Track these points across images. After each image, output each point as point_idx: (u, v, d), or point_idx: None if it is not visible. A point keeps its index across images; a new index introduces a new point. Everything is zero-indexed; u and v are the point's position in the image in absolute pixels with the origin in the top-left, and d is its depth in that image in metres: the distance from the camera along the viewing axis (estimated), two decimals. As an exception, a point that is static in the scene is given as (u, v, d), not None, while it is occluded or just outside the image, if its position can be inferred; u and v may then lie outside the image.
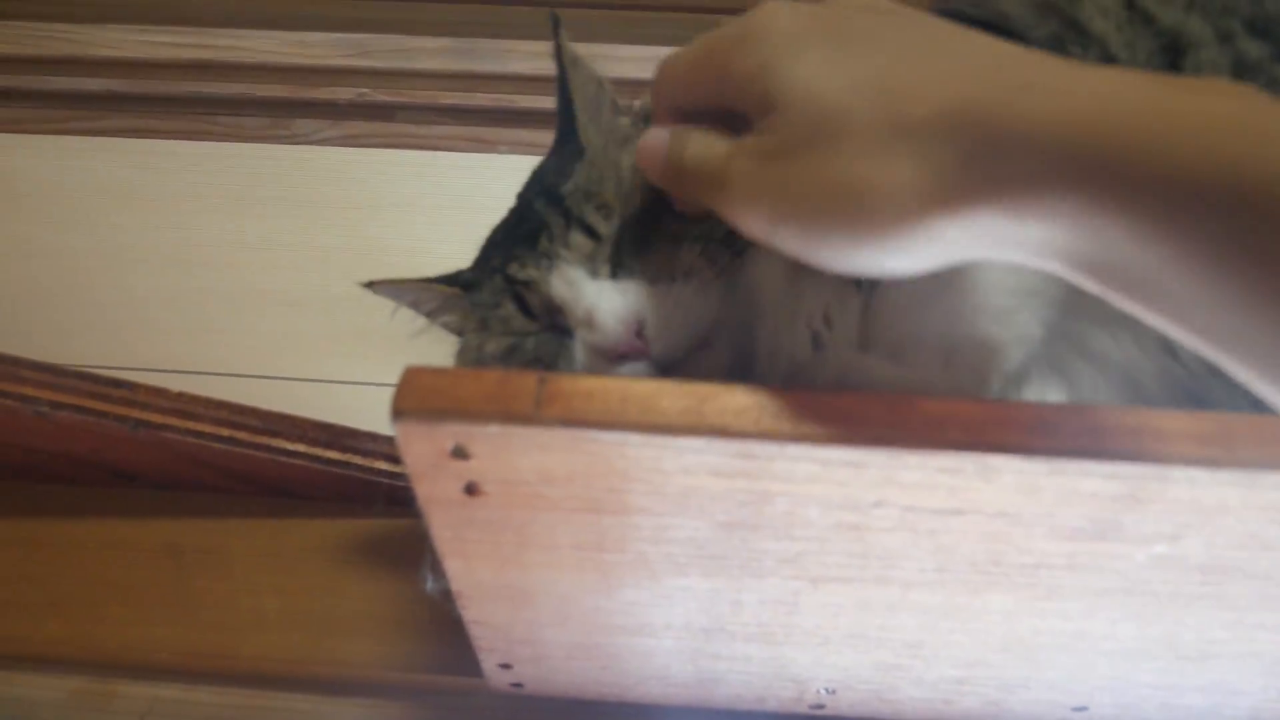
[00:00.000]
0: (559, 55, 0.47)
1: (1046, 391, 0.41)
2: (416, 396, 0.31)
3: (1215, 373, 0.39)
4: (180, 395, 0.54)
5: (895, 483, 0.31)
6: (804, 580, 0.37)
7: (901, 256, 0.28)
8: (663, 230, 0.41)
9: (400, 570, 0.57)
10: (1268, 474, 0.30)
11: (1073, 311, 0.40)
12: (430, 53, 0.92)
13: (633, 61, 0.90)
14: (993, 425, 0.30)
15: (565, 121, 0.47)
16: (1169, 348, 0.39)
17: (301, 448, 0.56)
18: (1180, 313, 0.26)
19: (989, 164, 0.26)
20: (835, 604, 0.39)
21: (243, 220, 1.02)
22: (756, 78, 0.31)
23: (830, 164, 0.28)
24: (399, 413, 0.30)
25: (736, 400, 0.30)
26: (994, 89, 0.27)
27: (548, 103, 0.97)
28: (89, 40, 0.94)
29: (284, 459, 0.55)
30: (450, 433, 0.31)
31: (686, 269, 0.39)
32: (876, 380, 0.35)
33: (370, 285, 0.48)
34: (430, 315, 0.48)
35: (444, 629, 0.53)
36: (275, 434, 0.55)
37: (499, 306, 0.43)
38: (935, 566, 0.36)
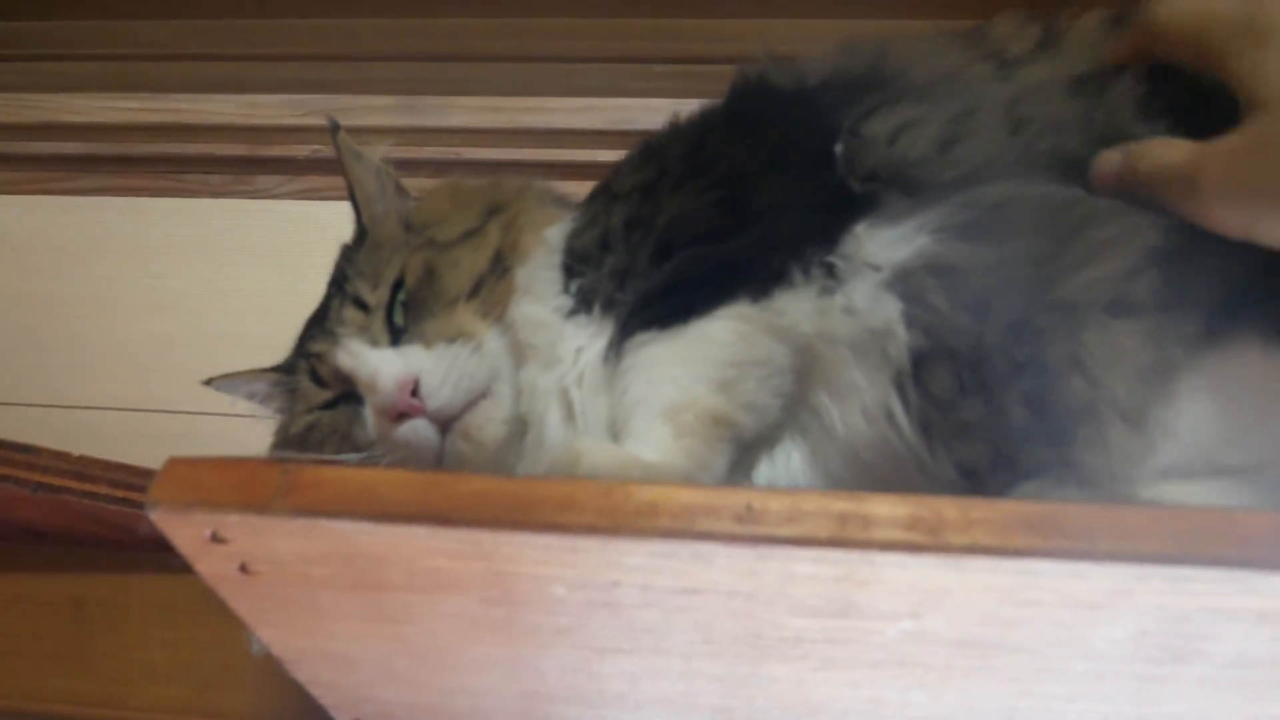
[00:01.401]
0: (340, 155, 0.50)
1: (791, 460, 0.42)
2: (169, 487, 0.33)
3: (931, 445, 0.40)
4: (80, 459, 0.57)
5: (621, 566, 0.32)
6: (587, 650, 0.39)
7: None
8: (440, 296, 0.43)
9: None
10: (975, 559, 0.30)
11: (806, 381, 0.41)
12: (375, 110, 0.95)
13: (565, 113, 0.92)
14: (702, 513, 0.31)
15: (355, 211, 0.50)
16: (891, 416, 0.40)
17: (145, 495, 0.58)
18: None
19: None
20: (627, 672, 0.40)
21: (212, 269, 1.06)
22: (1250, 76, 0.34)
23: None
24: (152, 503, 0.32)
25: (465, 488, 0.32)
26: None
27: (492, 153, 1.00)
28: (61, 107, 0.99)
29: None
30: (200, 521, 0.33)
31: (460, 330, 0.42)
32: (602, 464, 0.36)
33: (208, 382, 0.51)
34: (263, 403, 0.51)
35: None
36: (169, 495, 0.58)
37: (300, 384, 0.45)
38: (702, 639, 0.37)
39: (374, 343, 0.45)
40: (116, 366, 1.14)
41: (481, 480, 0.32)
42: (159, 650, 0.57)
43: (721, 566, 0.32)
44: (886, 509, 0.31)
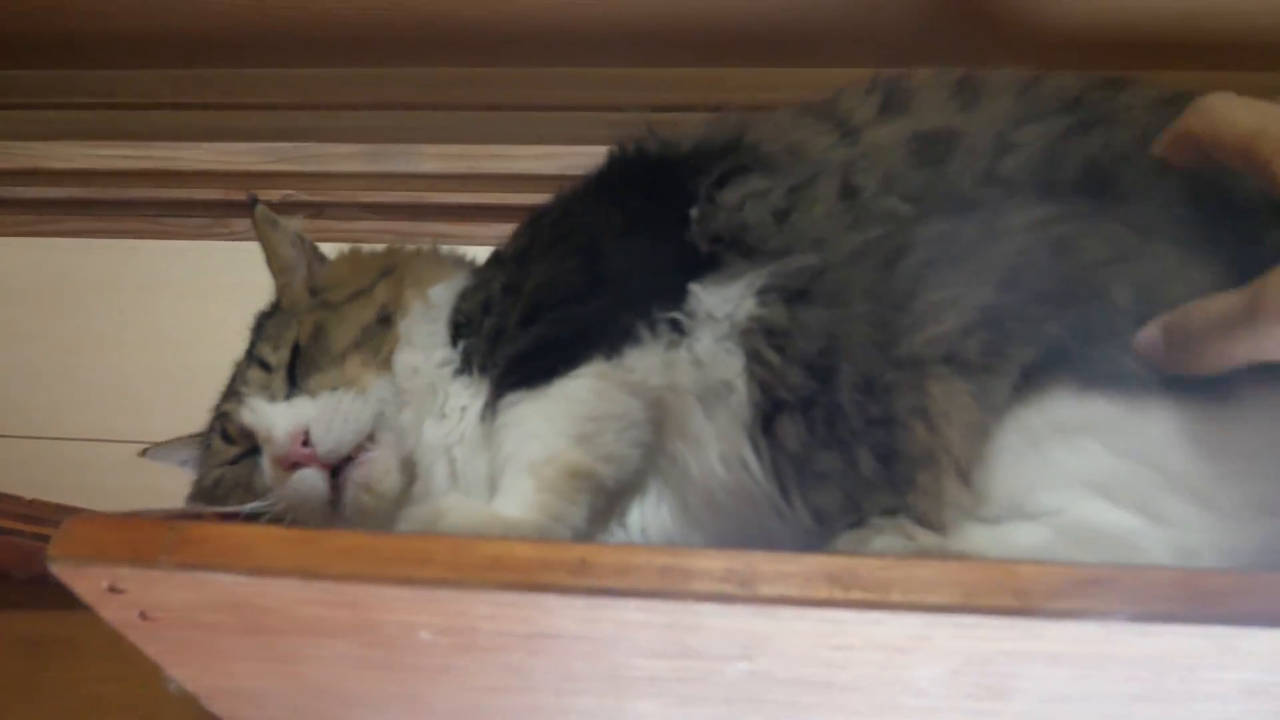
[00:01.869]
0: (256, 227, 0.54)
1: (660, 506, 0.45)
2: (66, 544, 0.36)
3: (785, 492, 0.43)
4: (33, 502, 0.61)
5: (471, 614, 0.35)
6: (469, 689, 0.42)
7: None
8: (328, 351, 0.47)
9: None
10: (784, 609, 0.33)
11: (664, 431, 0.45)
12: (344, 157, 0.99)
13: (527, 159, 0.96)
14: (539, 567, 0.34)
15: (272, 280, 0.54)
16: (745, 465, 0.44)
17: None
18: None
19: None
20: (508, 708, 0.43)
21: (191, 307, 1.10)
22: None
23: None
24: (51, 557, 0.36)
25: (332, 544, 0.35)
26: None
27: (456, 197, 1.04)
28: (47, 155, 1.04)
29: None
30: (96, 574, 0.36)
31: (343, 379, 0.46)
32: (462, 521, 0.40)
33: (144, 453, 0.55)
34: (195, 469, 0.55)
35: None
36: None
37: (212, 442, 0.49)
38: (565, 679, 0.40)
39: (272, 399, 0.48)
40: (103, 399, 1.18)
41: (349, 536, 0.36)
42: (109, 684, 0.60)
43: (561, 615, 0.35)
44: (705, 563, 0.34)
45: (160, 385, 1.17)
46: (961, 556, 0.35)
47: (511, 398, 0.46)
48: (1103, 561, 0.34)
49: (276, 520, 0.46)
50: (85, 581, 0.37)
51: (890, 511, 0.41)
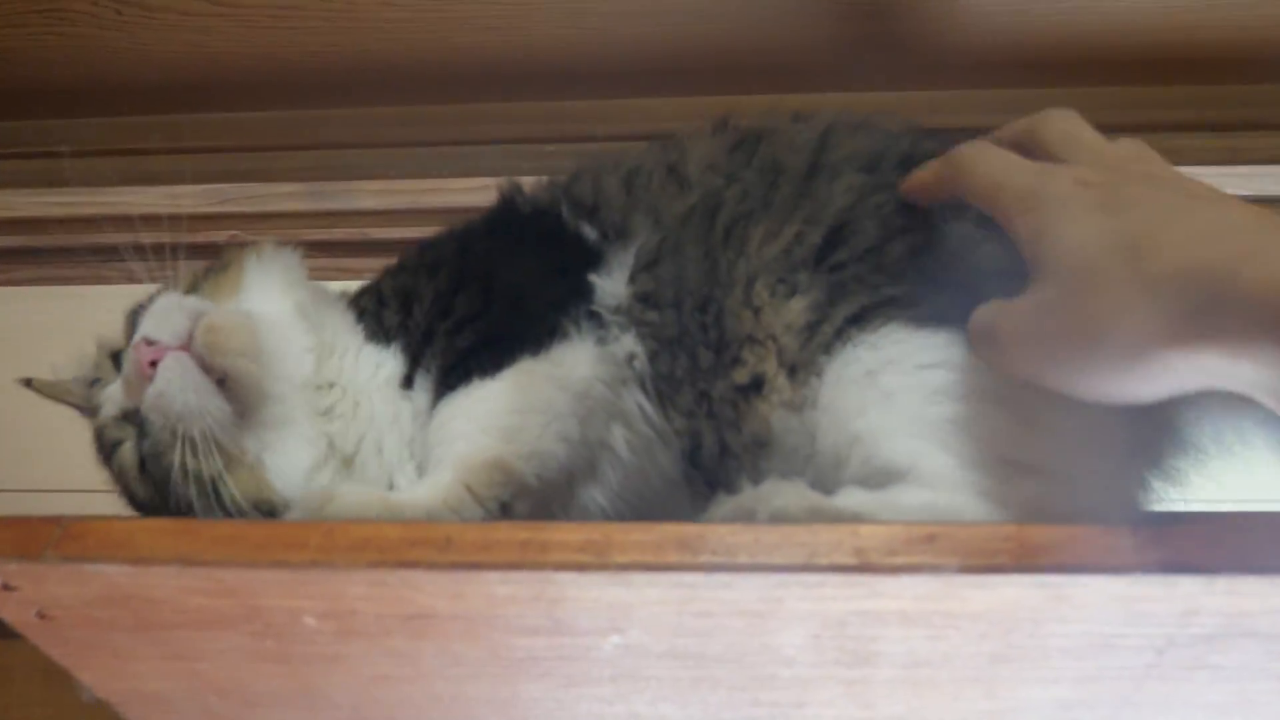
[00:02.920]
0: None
1: (595, 494, 0.47)
2: (-42, 542, 0.38)
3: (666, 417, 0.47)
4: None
5: (350, 595, 0.37)
6: (361, 677, 0.43)
7: (1141, 384, 0.35)
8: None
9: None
10: (636, 574, 0.35)
11: (602, 422, 0.47)
12: (285, 196, 1.01)
13: (463, 192, 0.99)
14: (405, 545, 0.36)
15: None
16: (646, 416, 0.48)
17: None
18: None
19: (1212, 317, 0.32)
20: (405, 697, 0.44)
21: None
22: (1030, 240, 0.38)
23: (1087, 314, 0.35)
24: (-56, 558, 0.37)
25: (210, 532, 0.37)
26: (1222, 255, 0.33)
27: (397, 232, 1.06)
28: (-6, 204, 1.06)
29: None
30: (-13, 571, 0.38)
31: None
32: (351, 505, 0.41)
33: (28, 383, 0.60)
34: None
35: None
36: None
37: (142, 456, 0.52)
38: (452, 663, 0.41)
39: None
40: (55, 448, 1.19)
41: (229, 525, 0.37)
42: (38, 709, 0.61)
43: (431, 592, 0.36)
44: (562, 535, 0.36)
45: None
46: (854, 517, 0.36)
47: (442, 403, 0.49)
48: (939, 519, 0.36)
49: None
50: (-23, 580, 0.38)
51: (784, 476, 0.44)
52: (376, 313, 0.55)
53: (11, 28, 0.96)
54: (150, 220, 1.05)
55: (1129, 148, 0.40)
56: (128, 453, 0.50)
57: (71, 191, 1.05)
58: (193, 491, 0.47)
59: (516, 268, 0.54)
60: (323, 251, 1.07)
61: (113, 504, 1.12)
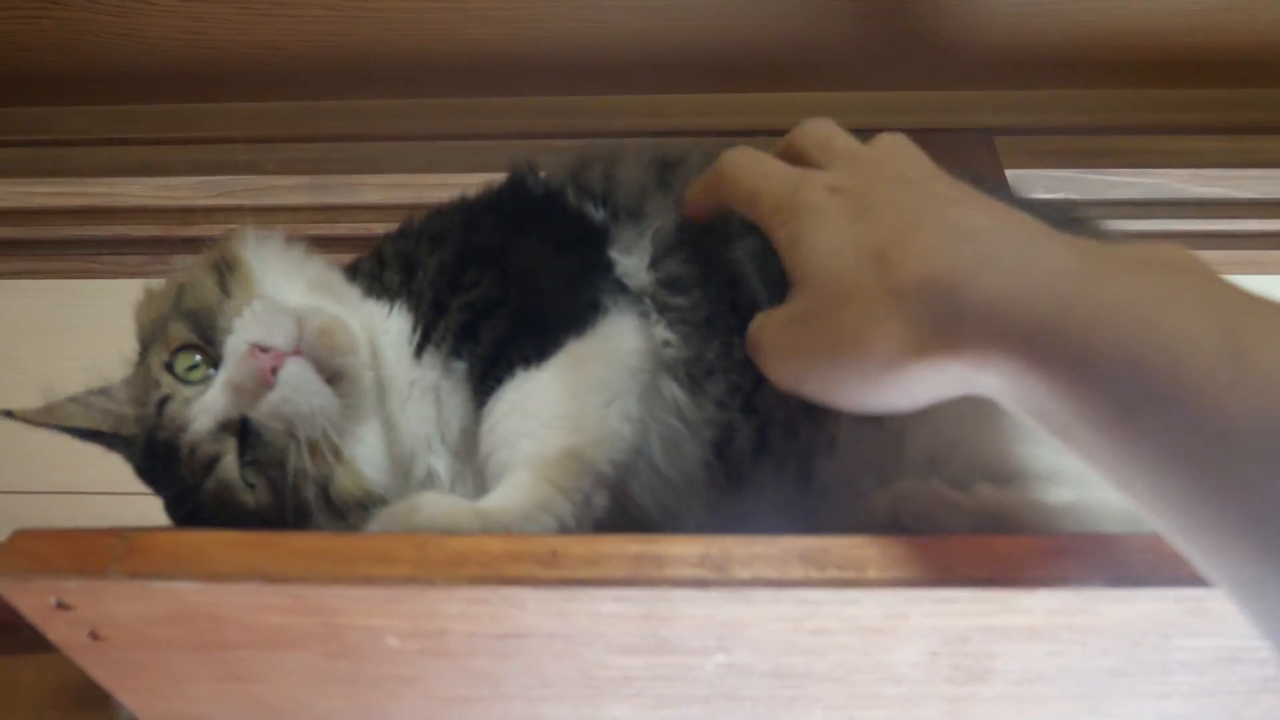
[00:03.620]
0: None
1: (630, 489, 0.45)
2: (10, 558, 0.34)
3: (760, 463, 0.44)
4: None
5: (442, 614, 0.34)
6: (435, 699, 0.40)
7: (897, 395, 0.34)
8: (209, 310, 0.50)
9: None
10: (759, 591, 0.33)
11: (648, 399, 0.45)
12: (288, 190, 0.98)
13: (471, 187, 0.96)
14: (508, 560, 0.33)
15: None
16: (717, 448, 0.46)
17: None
18: (1090, 458, 0.30)
19: (954, 326, 0.31)
20: (477, 718, 0.42)
21: (130, 348, 1.07)
22: (787, 250, 0.38)
23: (839, 325, 0.34)
24: (-5, 573, 0.34)
25: (289, 545, 0.34)
26: (965, 260, 0.32)
27: (402, 228, 1.02)
28: (-25, 194, 1.01)
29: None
30: (43, 589, 0.34)
31: (241, 302, 0.50)
32: (437, 515, 0.39)
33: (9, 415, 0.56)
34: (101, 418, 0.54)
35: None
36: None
37: (220, 479, 0.50)
38: (538, 683, 0.39)
39: (197, 397, 0.47)
40: (33, 449, 1.14)
41: (307, 537, 0.34)
42: (48, 726, 0.57)
43: (533, 610, 0.34)
44: (678, 548, 0.33)
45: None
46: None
47: (493, 401, 0.46)
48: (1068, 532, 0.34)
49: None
50: (31, 597, 0.35)
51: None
52: (376, 273, 0.54)
53: (1, 10, 0.92)
54: (142, 213, 1.02)
55: (886, 147, 0.40)
56: (230, 466, 0.47)
57: (59, 181, 1.00)
58: (310, 494, 0.46)
59: (533, 248, 0.51)
60: (324, 246, 1.02)
61: (114, 506, 1.08)
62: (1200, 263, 0.30)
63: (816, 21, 0.93)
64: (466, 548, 0.33)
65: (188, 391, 0.48)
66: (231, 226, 1.00)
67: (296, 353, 0.46)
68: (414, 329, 0.50)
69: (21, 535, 0.35)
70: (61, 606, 0.35)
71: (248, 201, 0.99)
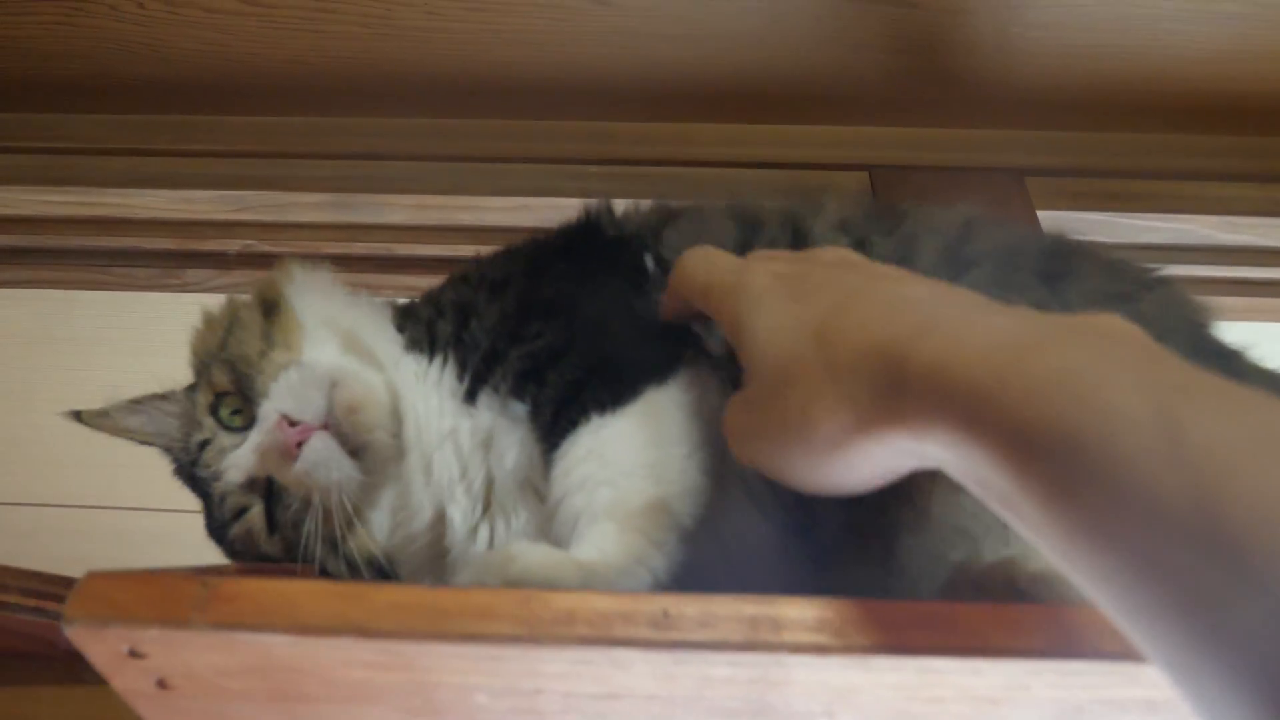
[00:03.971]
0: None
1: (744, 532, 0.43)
2: (85, 604, 0.32)
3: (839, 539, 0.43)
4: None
5: (541, 673, 0.33)
6: (511, 758, 0.39)
7: (847, 472, 0.33)
8: (252, 366, 0.50)
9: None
10: (878, 658, 0.31)
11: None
12: (310, 207, 0.96)
13: (499, 211, 0.95)
14: (619, 620, 0.32)
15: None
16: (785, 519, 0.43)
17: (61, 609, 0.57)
18: (1032, 531, 0.29)
19: (894, 397, 0.30)
20: (551, 778, 0.40)
21: (136, 362, 1.05)
22: (735, 332, 0.38)
23: (785, 406, 0.34)
24: (68, 619, 0.32)
25: (383, 598, 0.32)
26: (902, 330, 0.31)
27: (425, 249, 1.01)
28: (-14, 201, 0.98)
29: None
30: (117, 637, 0.33)
31: (278, 366, 0.50)
32: (535, 566, 0.37)
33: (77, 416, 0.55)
34: (155, 432, 0.55)
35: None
36: (86, 601, 0.56)
37: (246, 522, 0.49)
38: (625, 743, 0.37)
39: (236, 446, 0.49)
40: (32, 460, 1.11)
41: (399, 590, 0.33)
42: (70, 766, 0.55)
43: (639, 672, 0.32)
44: (795, 612, 0.32)
45: (86, 447, 1.10)
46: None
47: (567, 445, 0.44)
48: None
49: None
50: (103, 645, 0.33)
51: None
52: (431, 320, 0.53)
53: (22, 15, 0.90)
54: (157, 225, 1.00)
55: (829, 248, 0.41)
56: (256, 517, 0.49)
57: (74, 190, 0.98)
58: (321, 550, 0.46)
59: (609, 293, 0.51)
60: (345, 266, 1.01)
61: (115, 521, 1.05)
62: (1141, 335, 0.29)
63: (850, 56, 0.92)
64: (574, 606, 0.32)
65: (225, 440, 0.49)
66: (247, 242, 0.98)
67: (324, 427, 0.47)
68: (463, 375, 0.50)
69: (95, 578, 0.33)
70: (134, 655, 0.33)
71: (266, 218, 0.97)
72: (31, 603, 0.55)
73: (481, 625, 0.32)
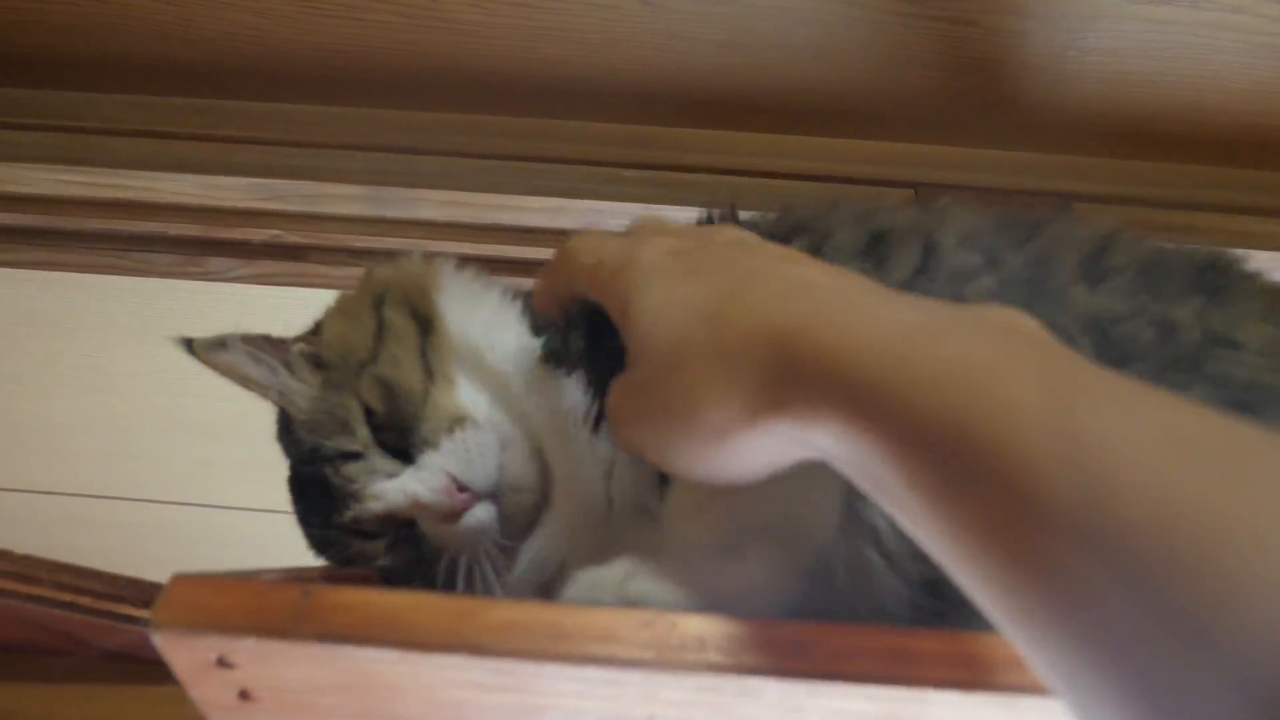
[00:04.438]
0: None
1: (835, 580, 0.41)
2: (175, 610, 0.30)
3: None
4: (24, 558, 0.53)
5: (658, 700, 0.31)
6: (601, 786, 0.36)
7: (733, 462, 0.31)
8: (411, 397, 0.46)
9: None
10: (1023, 698, 0.30)
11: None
12: (342, 199, 0.94)
13: (536, 212, 0.93)
14: (752, 646, 0.30)
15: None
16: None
17: (148, 614, 0.54)
18: (920, 531, 0.27)
19: (784, 384, 0.29)
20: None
21: (156, 349, 1.02)
22: (622, 310, 0.35)
23: (673, 392, 0.32)
24: (156, 625, 0.30)
25: (497, 616, 0.30)
26: (796, 315, 0.30)
27: (458, 247, 0.99)
28: (4, 177, 0.95)
29: (127, 625, 0.54)
30: (208, 645, 0.30)
31: (450, 417, 0.45)
32: (653, 589, 0.35)
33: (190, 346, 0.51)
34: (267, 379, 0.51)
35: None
36: (119, 599, 0.54)
37: (353, 551, 0.45)
38: (727, 776, 0.35)
39: (389, 475, 0.45)
40: (48, 449, 1.08)
41: (515, 607, 0.31)
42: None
43: (767, 702, 0.31)
44: (930, 645, 0.30)
45: (94, 435, 1.07)
46: None
47: None
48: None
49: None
50: (190, 653, 0.31)
51: None
52: (564, 330, 0.49)
53: (49, -8, 0.87)
54: (181, 211, 0.97)
55: (720, 227, 0.40)
56: (380, 546, 0.46)
57: (96, 171, 0.95)
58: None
59: None
60: (370, 260, 0.99)
61: (126, 513, 1.02)
62: (1040, 330, 0.28)
63: (902, 72, 0.91)
64: (704, 631, 0.30)
65: (379, 464, 0.46)
66: (275, 232, 0.96)
67: (490, 498, 0.45)
68: (592, 401, 0.46)
69: (183, 583, 0.31)
70: (222, 664, 0.31)
71: (296, 208, 0.95)
72: (66, 597, 0.52)
73: (604, 648, 0.30)
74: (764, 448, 0.30)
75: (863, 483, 0.28)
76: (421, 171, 0.94)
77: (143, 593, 0.55)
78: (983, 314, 0.29)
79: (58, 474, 1.04)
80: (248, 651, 0.30)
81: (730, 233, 0.38)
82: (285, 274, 0.98)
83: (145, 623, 0.56)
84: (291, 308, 1.01)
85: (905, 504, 0.27)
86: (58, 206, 0.96)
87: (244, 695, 0.33)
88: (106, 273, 0.99)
